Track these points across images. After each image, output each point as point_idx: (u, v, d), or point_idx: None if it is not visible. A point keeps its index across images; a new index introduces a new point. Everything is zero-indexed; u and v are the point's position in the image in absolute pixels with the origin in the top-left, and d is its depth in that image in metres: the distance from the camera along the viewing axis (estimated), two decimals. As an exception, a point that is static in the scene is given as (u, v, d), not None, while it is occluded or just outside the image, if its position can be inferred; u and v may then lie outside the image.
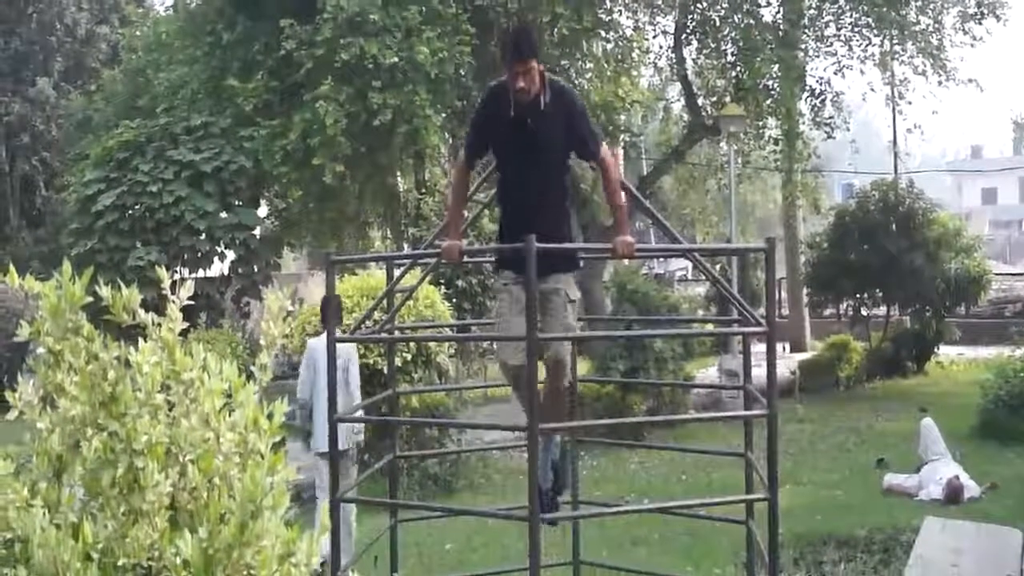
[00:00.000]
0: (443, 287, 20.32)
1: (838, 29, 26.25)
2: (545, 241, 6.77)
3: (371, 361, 15.17)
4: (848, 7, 25.43)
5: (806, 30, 26.06)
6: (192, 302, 3.84)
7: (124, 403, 3.43)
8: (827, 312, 28.70)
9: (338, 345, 11.74)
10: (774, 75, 24.68)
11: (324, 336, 11.56)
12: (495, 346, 8.04)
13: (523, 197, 7.65)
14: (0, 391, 18.70)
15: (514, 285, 7.54)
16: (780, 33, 25.16)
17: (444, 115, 23.22)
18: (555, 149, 7.53)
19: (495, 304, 8.05)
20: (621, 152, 30.57)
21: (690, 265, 37.57)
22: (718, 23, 26.54)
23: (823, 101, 26.51)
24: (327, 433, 11.95)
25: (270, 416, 3.64)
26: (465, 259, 8.73)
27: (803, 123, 27.04)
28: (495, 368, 18.85)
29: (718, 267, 26.55)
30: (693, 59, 28.31)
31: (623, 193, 7.90)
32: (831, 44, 26.43)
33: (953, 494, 13.65)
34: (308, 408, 12.39)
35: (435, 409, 15.66)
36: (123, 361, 3.52)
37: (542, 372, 7.18)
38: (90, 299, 3.53)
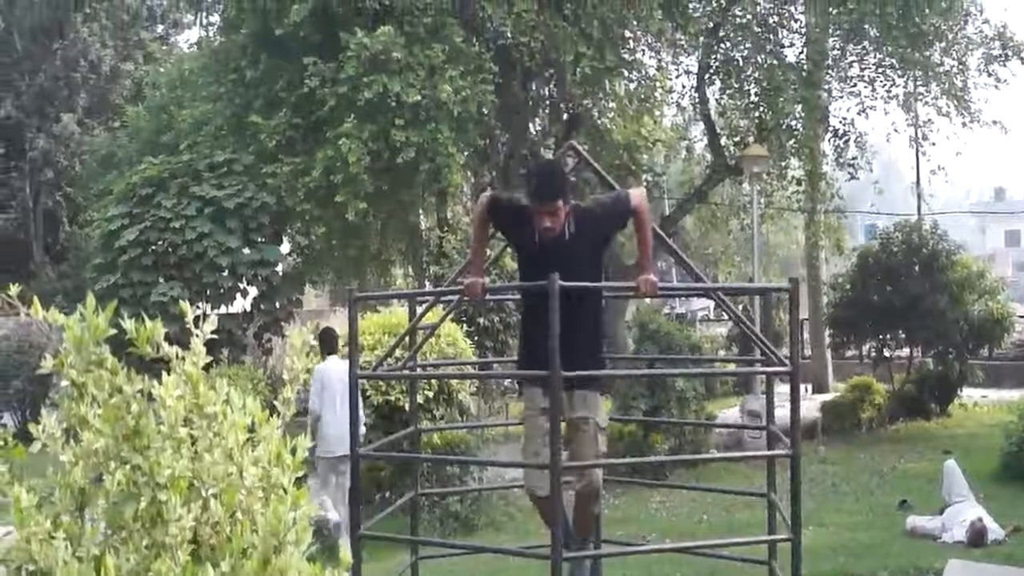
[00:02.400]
0: (465, 325, 20.31)
1: (862, 70, 26.27)
2: (571, 359, 6.72)
3: (393, 398, 15.18)
4: (872, 48, 25.45)
5: (830, 70, 26.09)
6: (215, 337, 3.83)
7: (147, 437, 3.43)
8: (849, 353, 28.59)
9: (340, 367, 12.36)
10: (797, 115, 24.70)
11: (330, 360, 13.36)
12: (523, 474, 7.95)
13: (548, 315, 6.89)
14: (24, 424, 18.71)
15: (539, 416, 7.47)
16: (804, 73, 25.18)
17: (467, 153, 23.27)
18: (583, 270, 7.39)
19: (523, 430, 7.94)
20: (644, 191, 30.62)
21: (712, 305, 37.61)
22: (741, 63, 26.57)
23: (846, 142, 26.51)
24: (335, 439, 12.71)
25: (293, 451, 3.63)
26: (487, 297, 8.70)
27: (826, 164, 27.07)
28: (517, 406, 18.80)
29: (740, 307, 26.52)
30: (716, 99, 28.34)
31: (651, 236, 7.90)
32: (855, 85, 26.45)
33: (976, 536, 13.56)
34: (317, 416, 13.33)
35: (456, 446, 15.63)
36: (146, 395, 3.51)
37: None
38: (113, 332, 3.52)
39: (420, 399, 13.95)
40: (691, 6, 25.78)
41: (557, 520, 6.64)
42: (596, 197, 8.28)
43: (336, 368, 13.15)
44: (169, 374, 3.55)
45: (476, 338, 21.00)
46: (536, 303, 7.54)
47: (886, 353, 26.37)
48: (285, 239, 25.88)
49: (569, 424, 7.16)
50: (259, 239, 22.49)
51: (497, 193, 8.30)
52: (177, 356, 3.60)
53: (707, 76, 27.30)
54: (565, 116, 26.49)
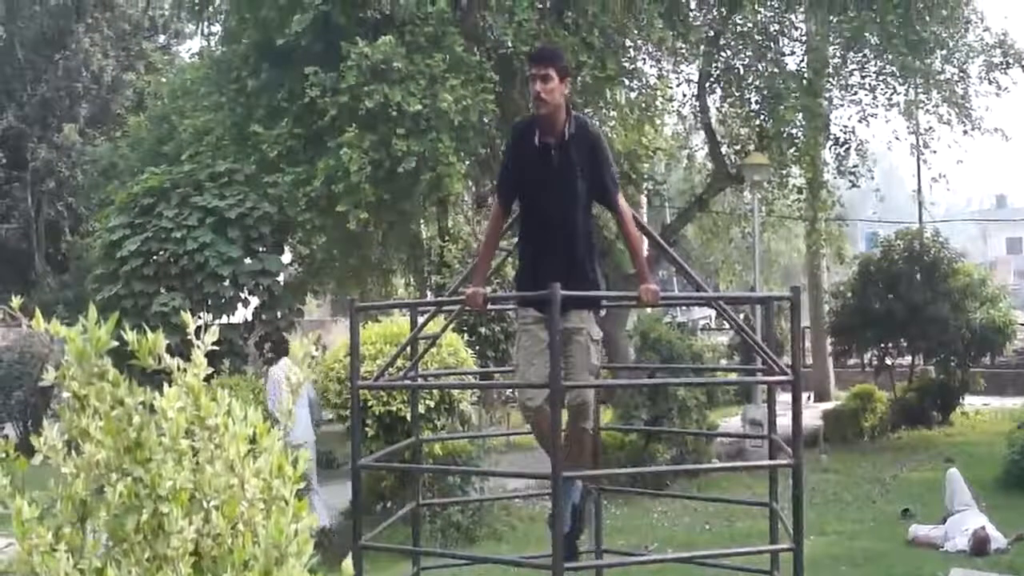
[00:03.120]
0: (466, 334, 20.30)
1: (862, 78, 26.25)
2: (568, 275, 6.80)
3: (394, 408, 15.17)
4: (873, 56, 25.44)
5: (830, 79, 26.07)
6: (216, 348, 3.83)
7: (149, 448, 3.43)
8: (851, 361, 28.59)
9: (293, 368, 13.25)
10: (798, 123, 24.69)
11: (283, 362, 15.85)
12: (517, 377, 8.00)
13: (546, 229, 7.63)
14: (25, 435, 18.72)
15: (535, 325, 7.53)
16: (804, 81, 25.17)
17: (468, 163, 23.26)
18: (577, 179, 7.53)
19: (516, 342, 8.01)
20: (644, 200, 30.58)
21: (713, 314, 37.54)
22: (742, 71, 26.58)
23: (847, 150, 26.50)
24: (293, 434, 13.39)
25: (294, 462, 3.63)
26: (489, 306, 8.72)
27: (827, 172, 27.06)
28: (518, 416, 18.80)
29: (742, 316, 26.52)
30: (717, 107, 28.37)
31: (646, 241, 7.92)
32: (855, 93, 26.43)
33: (979, 545, 13.55)
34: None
35: (458, 456, 15.63)
36: (148, 406, 3.51)
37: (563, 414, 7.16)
38: (115, 344, 3.52)
39: (421, 409, 13.94)
40: (692, 15, 25.79)
41: (556, 439, 6.68)
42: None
43: (289, 367, 14.28)
44: (170, 385, 3.55)
45: (477, 348, 20.99)
46: (534, 209, 7.78)
47: (888, 361, 26.39)
48: (287, 249, 25.85)
49: (563, 335, 7.17)
50: (260, 249, 22.47)
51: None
52: (178, 367, 3.60)
53: (708, 84, 27.31)
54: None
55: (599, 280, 8.17)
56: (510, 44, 21.74)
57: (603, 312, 8.47)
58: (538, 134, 7.55)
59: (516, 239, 8.59)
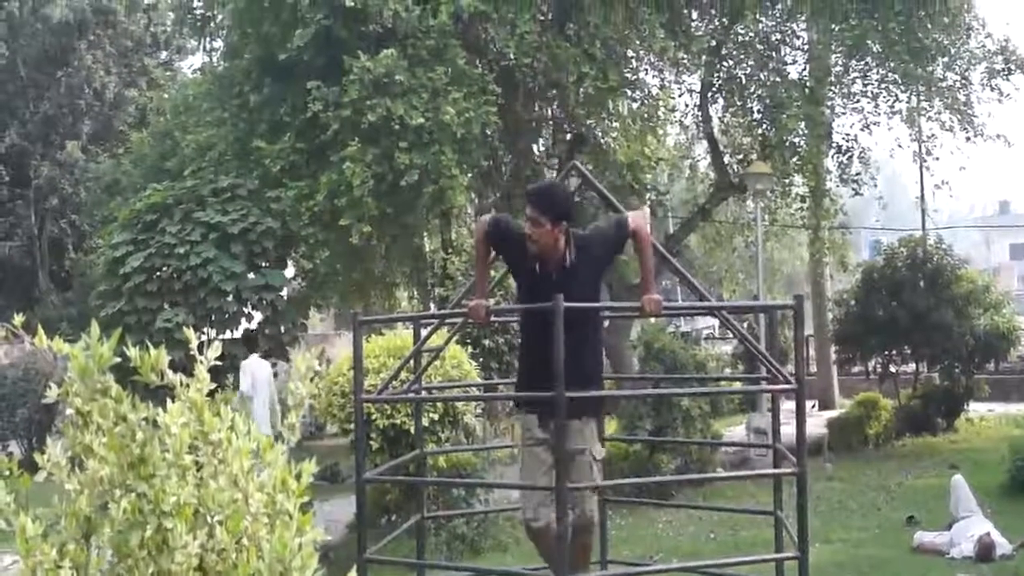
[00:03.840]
0: (470, 347, 20.29)
1: (865, 85, 26.21)
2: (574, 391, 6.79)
3: (398, 421, 15.16)
4: (875, 63, 25.39)
5: (833, 87, 26.05)
6: (219, 363, 3.84)
7: (152, 464, 3.44)
8: (855, 369, 28.57)
9: (262, 363, 14.94)
10: (801, 132, 24.67)
11: (252, 357, 19.36)
12: (520, 498, 8.04)
13: (548, 351, 6.89)
14: (30, 452, 18.69)
15: (537, 446, 7.52)
16: (806, 90, 25.15)
17: (470, 175, 23.28)
18: (584, 298, 7.41)
19: (520, 462, 8.00)
20: (647, 211, 30.59)
21: (717, 323, 37.52)
22: (744, 81, 26.57)
23: (850, 158, 26.44)
24: (260, 417, 14.67)
25: (298, 476, 3.64)
26: (492, 318, 8.72)
27: (830, 180, 27.02)
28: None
29: (745, 325, 26.51)
30: (719, 117, 28.34)
31: (652, 254, 7.92)
32: (858, 101, 26.39)
33: (985, 551, 13.54)
34: (249, 398, 18.06)
35: (462, 469, 15.61)
36: (151, 422, 3.52)
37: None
38: (118, 360, 3.54)
39: (425, 422, 13.94)
40: (693, 25, 25.80)
41: (562, 548, 6.69)
42: (596, 224, 8.31)
43: (259, 363, 19.39)
44: (174, 401, 3.56)
45: (481, 360, 20.97)
46: (536, 331, 7.56)
47: (892, 368, 26.35)
48: (290, 263, 25.86)
49: (565, 455, 7.17)
50: (264, 264, 22.50)
51: (498, 216, 8.29)
52: (181, 383, 3.61)
53: (710, 94, 27.29)
54: (568, 136, 26.49)
55: (602, 384, 8.16)
56: (512, 56, 21.77)
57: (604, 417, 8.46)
58: (537, 264, 7.50)
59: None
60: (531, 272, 7.53)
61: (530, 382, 7.64)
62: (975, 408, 27.20)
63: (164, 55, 47.20)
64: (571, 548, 7.66)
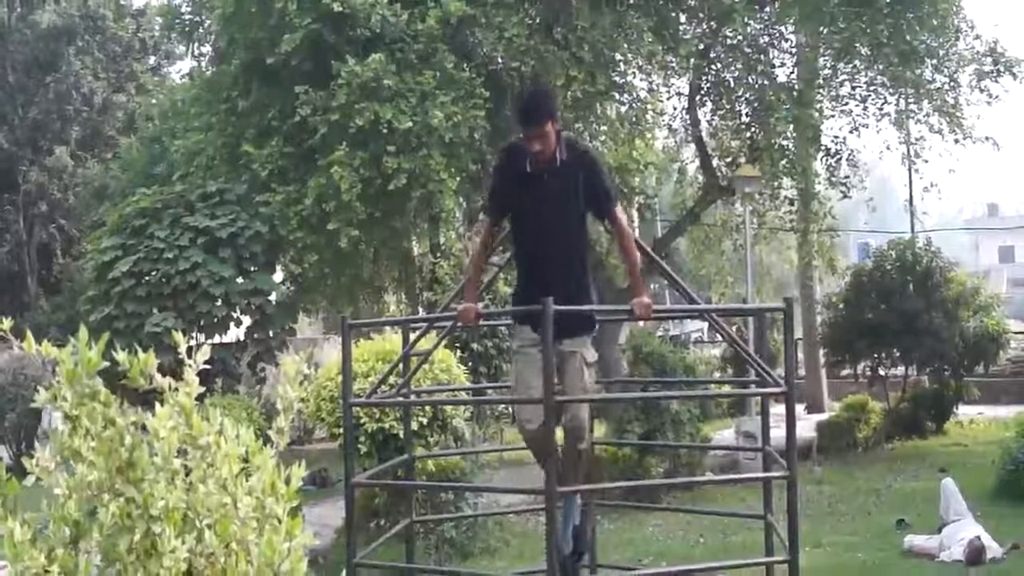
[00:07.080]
0: (459, 351, 20.28)
1: (853, 88, 26.22)
2: (563, 300, 6.81)
3: (387, 425, 15.14)
4: (863, 66, 25.39)
5: (821, 89, 26.05)
6: (208, 367, 3.84)
7: (141, 468, 3.43)
8: (844, 372, 28.57)
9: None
10: (789, 135, 24.70)
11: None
12: (513, 409, 8.10)
13: (540, 253, 7.67)
14: (18, 457, 18.71)
15: (531, 347, 7.56)
16: (795, 93, 25.16)
17: (459, 179, 23.24)
18: (571, 203, 7.56)
19: (512, 366, 8.06)
20: (636, 214, 30.59)
21: (706, 327, 37.56)
22: (732, 84, 26.55)
23: (839, 160, 26.44)
24: None
25: (287, 481, 3.63)
26: (481, 322, 8.73)
27: (819, 183, 27.01)
28: (512, 432, 18.77)
29: (735, 328, 26.51)
30: (708, 120, 28.32)
31: (639, 254, 7.93)
32: (846, 103, 26.38)
33: (975, 555, 13.53)
34: None
35: (451, 473, 15.59)
36: (140, 426, 3.51)
37: (559, 435, 7.19)
38: (107, 364, 3.53)
39: (414, 426, 13.92)
40: (682, 29, 25.79)
41: (551, 453, 6.71)
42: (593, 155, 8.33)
43: None
44: (162, 405, 3.55)
45: (470, 364, 20.96)
46: (527, 232, 7.84)
47: (881, 372, 26.34)
48: (278, 268, 25.84)
49: (557, 357, 7.21)
50: (252, 268, 22.50)
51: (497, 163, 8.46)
52: (170, 387, 3.60)
53: (698, 98, 27.27)
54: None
55: (594, 301, 8.19)
56: (500, 60, 21.78)
57: (596, 331, 8.49)
58: (531, 162, 7.56)
59: (508, 255, 8.62)
60: (522, 174, 7.59)
61: (526, 292, 7.75)
62: (965, 411, 27.24)
63: (152, 60, 47.19)
64: (564, 452, 7.71)
